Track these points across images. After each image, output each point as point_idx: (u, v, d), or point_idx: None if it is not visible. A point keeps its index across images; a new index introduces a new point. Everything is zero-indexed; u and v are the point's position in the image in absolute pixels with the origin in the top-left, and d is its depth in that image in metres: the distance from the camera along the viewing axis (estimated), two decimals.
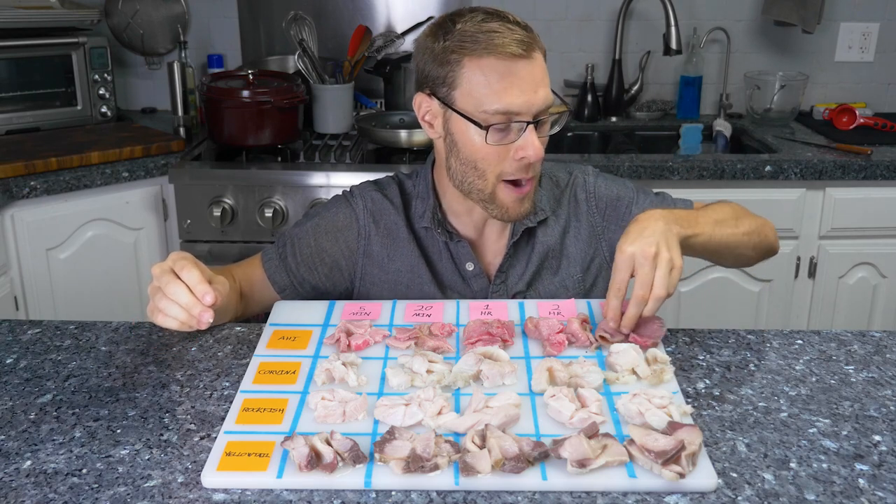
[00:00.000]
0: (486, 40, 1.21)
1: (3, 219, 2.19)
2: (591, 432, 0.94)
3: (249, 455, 0.94)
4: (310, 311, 1.30)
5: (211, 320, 1.17)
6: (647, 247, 1.15)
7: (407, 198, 1.43)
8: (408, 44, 2.82)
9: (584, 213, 1.44)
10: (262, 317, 1.39)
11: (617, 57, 2.87)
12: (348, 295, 1.44)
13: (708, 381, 1.12)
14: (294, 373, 1.12)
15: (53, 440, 1.00)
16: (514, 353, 1.17)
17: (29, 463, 0.96)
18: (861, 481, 0.92)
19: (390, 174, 1.48)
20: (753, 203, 1.50)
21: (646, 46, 2.89)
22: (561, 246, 1.42)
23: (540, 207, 1.39)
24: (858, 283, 2.51)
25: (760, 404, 1.07)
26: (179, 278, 1.17)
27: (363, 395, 1.04)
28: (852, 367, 1.17)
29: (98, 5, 2.76)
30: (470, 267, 1.39)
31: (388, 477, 0.90)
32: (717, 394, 1.09)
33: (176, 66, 2.66)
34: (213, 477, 0.91)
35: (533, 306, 1.30)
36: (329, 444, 0.93)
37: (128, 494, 0.90)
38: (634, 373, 1.10)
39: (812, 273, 2.50)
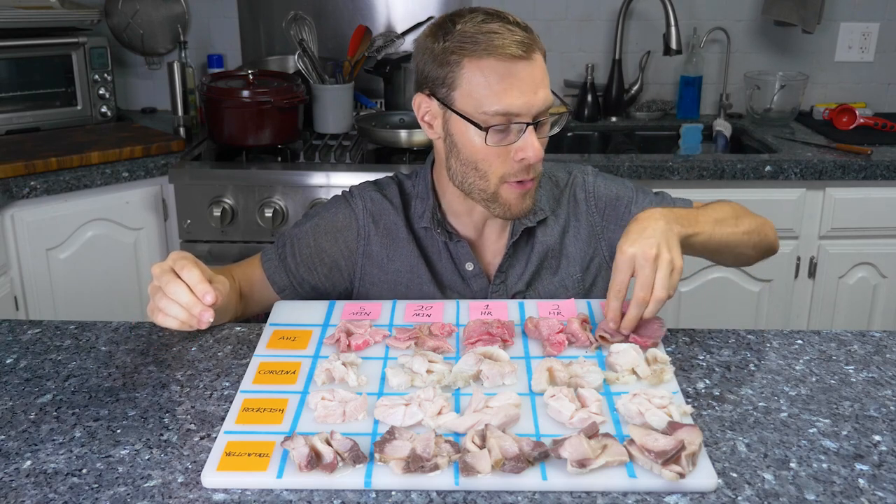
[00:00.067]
0: (486, 41, 1.21)
1: (3, 219, 2.19)
2: (591, 432, 0.94)
3: (249, 455, 0.94)
4: (310, 311, 1.30)
5: (211, 320, 1.17)
6: (648, 248, 1.15)
7: (406, 198, 1.43)
8: (408, 44, 2.82)
9: (583, 212, 1.44)
10: (262, 317, 1.39)
11: (617, 57, 2.87)
12: (348, 295, 1.44)
13: (708, 381, 1.12)
14: (294, 373, 1.12)
15: (53, 440, 1.00)
16: (514, 353, 1.17)
17: (29, 463, 0.96)
18: (861, 481, 0.92)
19: (390, 174, 1.48)
20: (753, 203, 1.50)
21: (646, 46, 2.89)
22: (560, 246, 1.42)
23: (539, 207, 1.39)
24: (858, 283, 2.51)
25: (760, 404, 1.07)
26: (180, 278, 1.17)
27: (363, 395, 1.04)
28: (852, 367, 1.17)
29: (98, 5, 2.76)
30: (469, 267, 1.39)
31: (388, 477, 0.90)
32: (717, 394, 1.09)
33: (176, 66, 2.66)
34: (213, 477, 0.91)
35: (533, 306, 1.30)
36: (329, 444, 0.93)
37: (128, 494, 0.90)
38: (634, 373, 1.10)
39: (812, 273, 2.50)
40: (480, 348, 1.14)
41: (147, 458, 0.96)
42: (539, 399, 1.04)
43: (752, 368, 1.16)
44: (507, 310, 1.28)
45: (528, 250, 1.41)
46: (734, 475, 0.93)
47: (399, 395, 1.04)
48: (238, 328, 1.29)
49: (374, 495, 0.89)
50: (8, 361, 1.19)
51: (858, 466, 0.94)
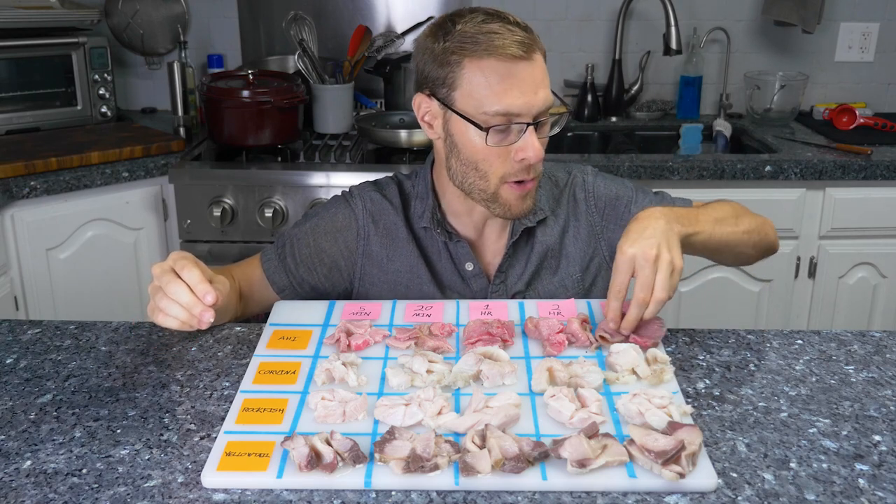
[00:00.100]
0: (487, 41, 1.21)
1: (3, 219, 2.19)
2: (591, 432, 0.94)
3: (249, 455, 0.94)
4: (310, 311, 1.30)
5: (212, 320, 1.17)
6: (649, 249, 1.15)
7: (406, 198, 1.43)
8: (408, 44, 2.82)
9: (582, 212, 1.44)
10: (262, 317, 1.39)
11: (617, 57, 2.87)
12: (347, 295, 1.44)
13: (708, 381, 1.12)
14: (294, 373, 1.12)
15: (53, 440, 1.00)
16: (514, 353, 1.17)
17: (29, 463, 0.96)
18: (861, 481, 0.92)
19: (389, 174, 1.48)
20: (753, 203, 1.50)
21: (646, 46, 2.89)
22: (560, 245, 1.42)
23: (539, 207, 1.39)
24: (858, 283, 2.51)
25: (760, 404, 1.07)
26: (180, 278, 1.17)
27: (363, 395, 1.04)
28: (852, 367, 1.17)
29: (98, 5, 2.76)
30: (469, 267, 1.39)
31: (388, 477, 0.90)
32: (717, 394, 1.09)
33: (176, 66, 2.66)
34: (213, 477, 0.91)
35: (533, 306, 1.30)
36: (329, 444, 0.93)
37: (128, 494, 0.90)
38: (634, 373, 1.10)
39: (812, 273, 2.50)
40: (480, 348, 1.14)
41: (147, 458, 0.96)
42: (539, 399, 1.04)
43: (752, 368, 1.16)
44: (507, 310, 1.28)
45: (527, 250, 1.41)
46: (734, 475, 0.93)
47: (399, 395, 1.04)
48: (238, 328, 1.29)
49: (374, 495, 0.89)
50: (8, 361, 1.19)
51: (858, 466, 0.94)
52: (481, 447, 0.93)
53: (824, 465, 0.95)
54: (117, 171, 2.32)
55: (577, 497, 0.89)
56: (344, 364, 1.11)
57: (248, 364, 1.16)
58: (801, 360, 1.18)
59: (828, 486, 0.91)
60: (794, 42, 2.92)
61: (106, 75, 2.65)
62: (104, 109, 2.67)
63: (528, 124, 1.23)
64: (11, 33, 2.49)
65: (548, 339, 1.17)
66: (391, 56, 2.76)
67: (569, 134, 2.89)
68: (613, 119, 2.91)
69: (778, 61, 2.93)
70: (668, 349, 1.20)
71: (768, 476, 0.93)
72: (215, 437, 0.99)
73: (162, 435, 1.01)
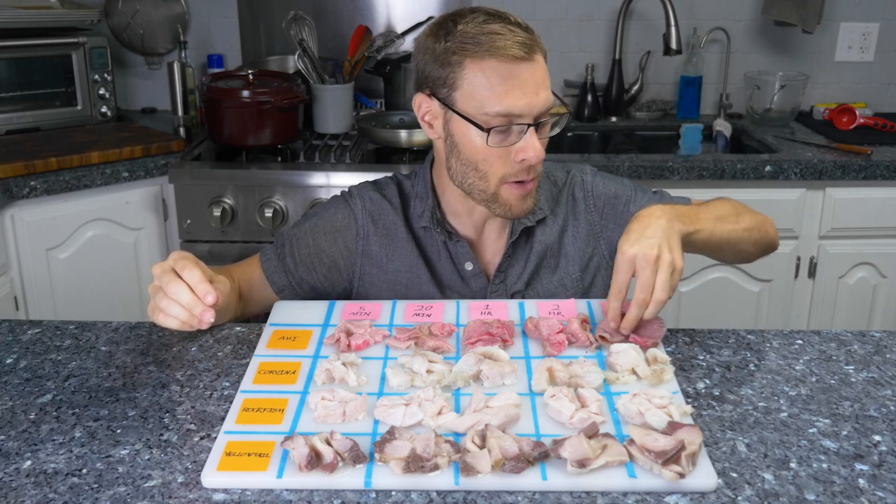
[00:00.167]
0: (488, 42, 1.21)
1: (3, 219, 2.19)
2: (591, 432, 0.94)
3: (249, 455, 0.94)
4: (310, 311, 1.30)
5: (212, 320, 1.17)
6: (649, 249, 1.15)
7: (405, 198, 1.43)
8: (408, 44, 2.82)
9: (581, 211, 1.44)
10: (262, 317, 1.39)
11: (617, 57, 2.87)
12: (347, 295, 1.44)
13: (708, 381, 1.12)
14: (294, 373, 1.12)
15: (53, 440, 1.00)
16: (514, 353, 1.17)
17: (29, 463, 0.96)
18: (861, 481, 0.92)
19: (389, 175, 1.48)
20: (753, 203, 1.50)
21: (646, 46, 2.89)
22: (559, 245, 1.42)
23: (538, 207, 1.39)
24: (858, 283, 2.51)
25: (760, 404, 1.07)
26: (181, 278, 1.17)
27: (363, 395, 1.04)
28: (852, 367, 1.17)
29: (98, 5, 2.76)
30: (469, 266, 1.39)
31: (388, 477, 0.90)
32: (717, 394, 1.09)
33: (176, 66, 2.66)
34: (213, 477, 0.91)
35: (533, 306, 1.30)
36: (329, 444, 0.93)
37: (128, 494, 0.90)
38: (634, 373, 1.10)
39: (812, 273, 2.50)
40: (480, 348, 1.14)
41: (147, 458, 0.96)
42: (539, 399, 1.04)
43: (752, 368, 1.16)
44: (507, 310, 1.28)
45: (527, 250, 1.41)
46: (734, 475, 0.93)
47: (399, 395, 1.04)
48: (238, 328, 1.29)
49: (374, 495, 0.89)
50: (8, 361, 1.19)
51: (858, 466, 0.94)
52: (481, 447, 0.93)
53: (824, 465, 0.95)
54: (117, 171, 2.32)
55: (577, 497, 0.89)
56: (344, 364, 1.11)
57: (248, 364, 1.16)
58: (801, 360, 1.18)
59: (828, 486, 0.91)
60: (794, 42, 2.92)
61: (106, 75, 2.65)
62: (104, 109, 2.67)
63: (529, 125, 1.23)
64: (11, 33, 2.49)
65: (548, 339, 1.17)
66: (391, 56, 2.76)
67: (569, 134, 2.89)
68: (613, 119, 2.91)
69: (778, 61, 2.93)
70: (668, 349, 1.20)
71: (768, 476, 0.93)
72: (215, 437, 0.99)
73: (162, 435, 1.01)
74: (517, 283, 1.40)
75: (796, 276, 2.49)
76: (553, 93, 1.26)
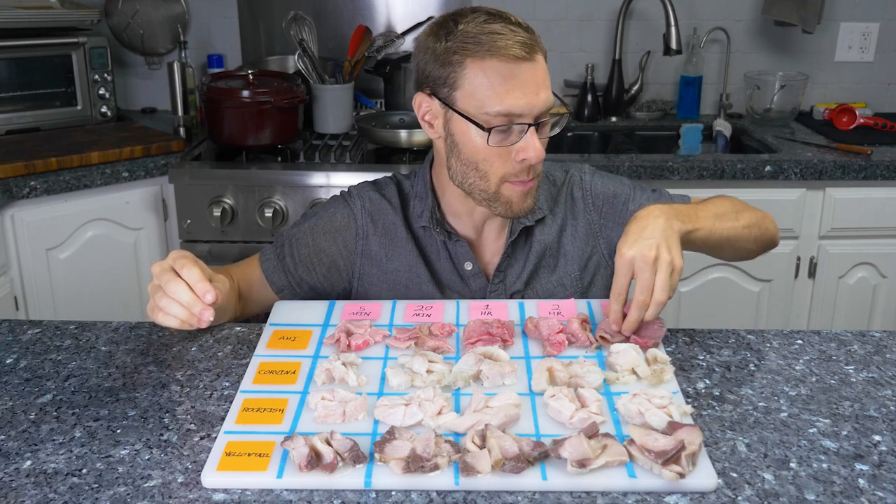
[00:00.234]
0: (489, 42, 1.21)
1: (3, 219, 2.19)
2: (591, 432, 0.94)
3: (249, 455, 0.94)
4: (310, 311, 1.30)
5: (212, 318, 1.17)
6: (647, 250, 1.15)
7: (405, 198, 1.43)
8: (408, 44, 2.82)
9: (580, 211, 1.44)
10: (262, 317, 1.39)
11: (617, 57, 2.87)
12: (346, 295, 1.44)
13: (708, 381, 1.12)
14: (294, 373, 1.12)
15: (53, 440, 1.00)
16: (514, 353, 1.17)
17: (29, 463, 0.96)
18: (861, 481, 0.92)
19: (388, 175, 1.48)
20: (753, 203, 1.49)
21: (646, 46, 2.89)
22: (558, 244, 1.42)
23: (538, 206, 1.39)
24: (858, 283, 2.51)
25: (760, 404, 1.07)
26: (180, 277, 1.17)
27: (363, 395, 1.04)
28: (852, 367, 1.17)
29: (98, 5, 2.76)
30: (468, 266, 1.39)
31: (388, 477, 0.90)
32: (717, 394, 1.09)
33: (176, 66, 2.66)
34: (213, 477, 0.91)
35: (533, 306, 1.30)
36: (329, 444, 0.93)
37: (128, 494, 0.90)
38: (634, 373, 1.10)
39: (812, 273, 2.50)
40: (480, 348, 1.14)
41: (147, 458, 0.96)
42: (539, 399, 1.04)
43: (752, 368, 1.16)
44: (507, 310, 1.28)
45: (526, 249, 1.41)
46: (734, 475, 0.93)
47: (399, 395, 1.04)
48: (238, 328, 1.29)
49: (374, 495, 0.89)
50: (8, 361, 1.19)
51: (858, 466, 0.94)
52: (481, 447, 0.93)
53: (824, 465, 0.95)
54: (117, 171, 2.32)
55: (577, 497, 0.89)
56: (344, 364, 1.11)
57: (248, 364, 1.16)
58: (801, 360, 1.18)
59: (828, 486, 0.91)
60: (794, 42, 2.92)
61: (106, 75, 2.65)
62: (104, 109, 2.67)
63: (530, 125, 1.23)
64: (11, 33, 2.49)
65: (548, 339, 1.17)
66: (391, 56, 2.76)
67: (569, 134, 2.89)
68: (613, 119, 2.91)
69: (778, 61, 2.93)
70: (668, 349, 1.20)
71: (768, 476, 0.93)
72: (215, 437, 0.99)
73: (162, 435, 1.01)
74: (516, 283, 1.40)
75: (796, 276, 2.49)
76: (553, 93, 1.26)
